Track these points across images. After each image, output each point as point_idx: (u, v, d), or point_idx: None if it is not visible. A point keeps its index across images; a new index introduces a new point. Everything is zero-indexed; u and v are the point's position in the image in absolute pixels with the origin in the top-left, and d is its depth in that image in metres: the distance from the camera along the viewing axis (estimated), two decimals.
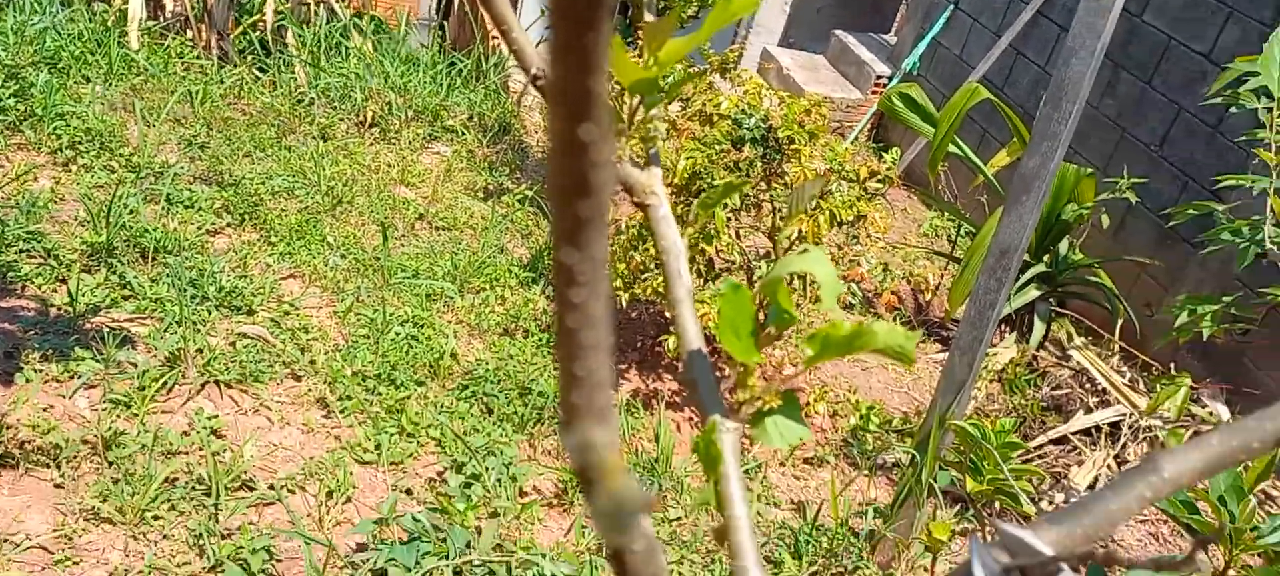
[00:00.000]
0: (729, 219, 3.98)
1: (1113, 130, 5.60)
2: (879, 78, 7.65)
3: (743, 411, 0.78)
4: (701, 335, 0.77)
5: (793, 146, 3.88)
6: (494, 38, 7.41)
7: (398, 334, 4.06)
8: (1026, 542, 0.56)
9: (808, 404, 4.41)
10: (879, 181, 3.99)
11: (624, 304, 4.22)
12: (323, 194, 5.10)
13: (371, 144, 6.02)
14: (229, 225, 4.60)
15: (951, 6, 7.02)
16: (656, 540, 0.42)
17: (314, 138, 5.83)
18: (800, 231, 3.88)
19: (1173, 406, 3.06)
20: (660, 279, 3.96)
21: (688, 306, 0.71)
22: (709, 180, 3.94)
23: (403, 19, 8.52)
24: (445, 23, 10.00)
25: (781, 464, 3.99)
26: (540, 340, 4.37)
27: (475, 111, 6.71)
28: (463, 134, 6.44)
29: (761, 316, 0.73)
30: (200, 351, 3.60)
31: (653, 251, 4.07)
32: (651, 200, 0.76)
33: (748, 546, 0.74)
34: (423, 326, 4.18)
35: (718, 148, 3.95)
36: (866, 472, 3.94)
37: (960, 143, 5.12)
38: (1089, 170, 5.05)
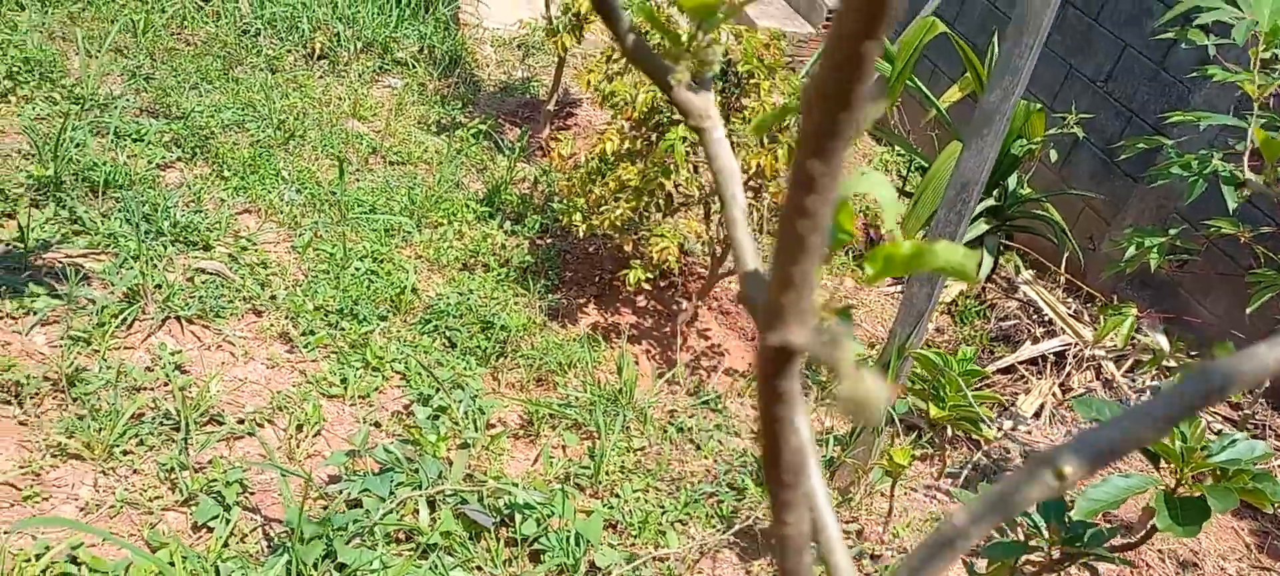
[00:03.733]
0: (688, 153, 4.00)
1: (1060, 65, 5.70)
2: (830, 12, 7.67)
3: None
4: (758, 255, 0.81)
5: (752, 81, 3.90)
6: None
7: (358, 269, 4.04)
8: None
9: None
10: None
11: (582, 236, 4.24)
12: (274, 127, 5.01)
13: (321, 77, 5.92)
14: (180, 159, 4.51)
15: None
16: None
17: (262, 70, 5.72)
18: (759, 165, 3.92)
19: (1119, 336, 3.18)
20: (618, 211, 3.99)
21: (744, 227, 0.75)
22: (669, 114, 3.95)
23: None
24: None
25: (739, 395, 4.07)
26: (500, 275, 4.38)
27: (425, 44, 6.62)
28: (413, 67, 6.36)
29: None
30: (158, 287, 3.56)
31: (613, 185, 4.09)
32: (707, 124, 0.79)
33: (812, 464, 0.79)
34: (382, 261, 4.17)
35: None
36: (824, 402, 4.04)
37: (913, 77, 5.19)
38: (1038, 105, 5.15)
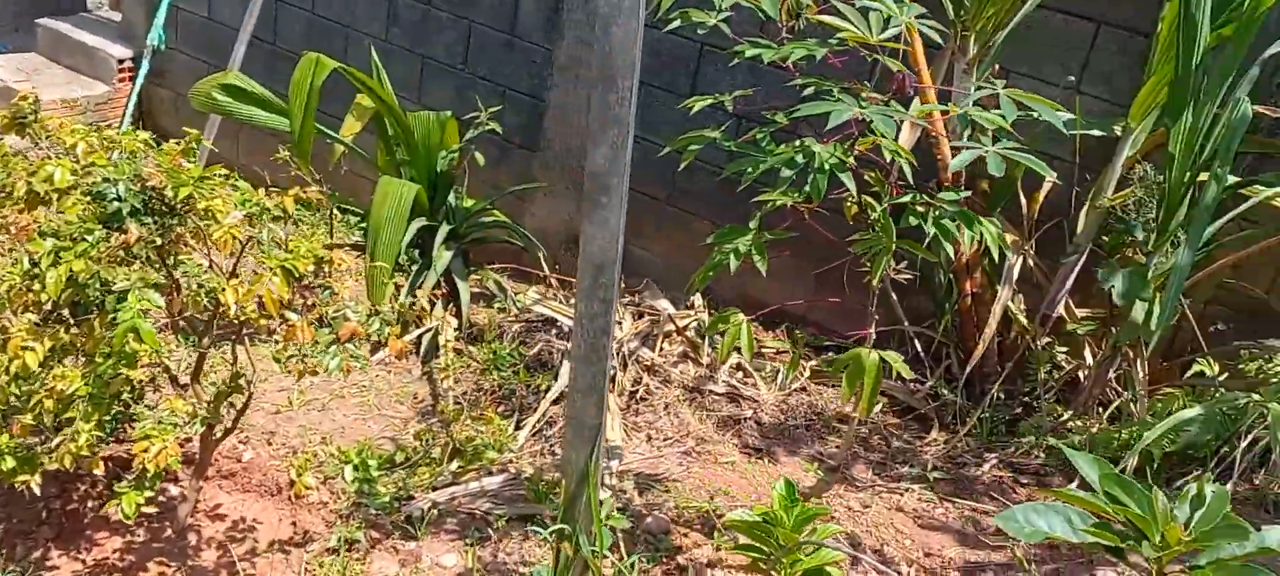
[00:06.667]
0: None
1: (413, 61, 5.30)
2: (122, 61, 6.41)
3: None
4: None
5: (198, 204, 2.93)
6: None
7: None
8: None
9: None
10: (304, 204, 3.24)
11: None
12: None
13: None
14: None
15: None
16: None
17: None
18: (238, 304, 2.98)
19: (742, 345, 3.03)
20: None
21: None
22: (97, 288, 2.84)
23: None
24: None
25: None
26: None
27: None
28: None
29: None
30: None
31: None
32: None
33: None
34: None
35: (93, 237, 2.84)
36: None
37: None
38: (447, 113, 4.81)
